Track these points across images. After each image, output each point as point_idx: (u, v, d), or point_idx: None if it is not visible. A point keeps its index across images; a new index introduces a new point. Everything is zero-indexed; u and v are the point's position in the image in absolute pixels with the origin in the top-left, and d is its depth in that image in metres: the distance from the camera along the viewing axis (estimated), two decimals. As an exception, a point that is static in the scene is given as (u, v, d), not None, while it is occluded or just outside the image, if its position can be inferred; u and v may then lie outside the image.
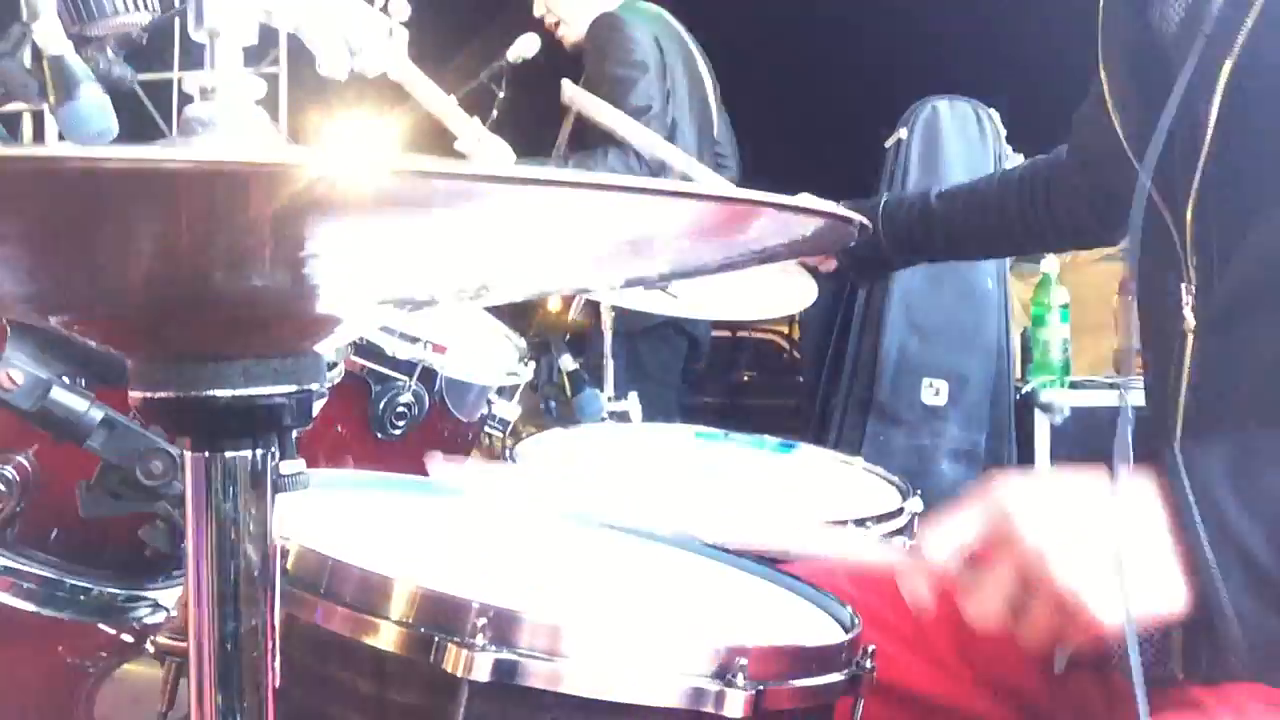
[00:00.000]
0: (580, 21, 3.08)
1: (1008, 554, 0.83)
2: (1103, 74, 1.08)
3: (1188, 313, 0.97)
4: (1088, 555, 0.80)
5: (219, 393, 0.53)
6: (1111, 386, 2.96)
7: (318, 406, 0.58)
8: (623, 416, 2.01)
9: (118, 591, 1.21)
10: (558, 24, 3.11)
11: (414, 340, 1.41)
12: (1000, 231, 1.55)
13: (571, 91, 1.93)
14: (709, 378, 4.28)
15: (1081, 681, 1.06)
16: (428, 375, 1.44)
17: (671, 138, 2.83)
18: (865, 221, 0.52)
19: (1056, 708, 1.09)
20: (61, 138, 1.10)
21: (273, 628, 0.58)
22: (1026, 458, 3.02)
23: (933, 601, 0.90)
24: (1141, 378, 1.07)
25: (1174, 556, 0.80)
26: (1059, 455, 2.95)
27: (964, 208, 1.55)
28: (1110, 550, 0.79)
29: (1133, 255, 0.94)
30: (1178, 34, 0.96)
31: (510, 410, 1.65)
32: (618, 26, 2.98)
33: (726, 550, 1.12)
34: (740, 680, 0.77)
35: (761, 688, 0.78)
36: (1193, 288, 0.97)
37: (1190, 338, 0.97)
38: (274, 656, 0.58)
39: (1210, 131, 0.91)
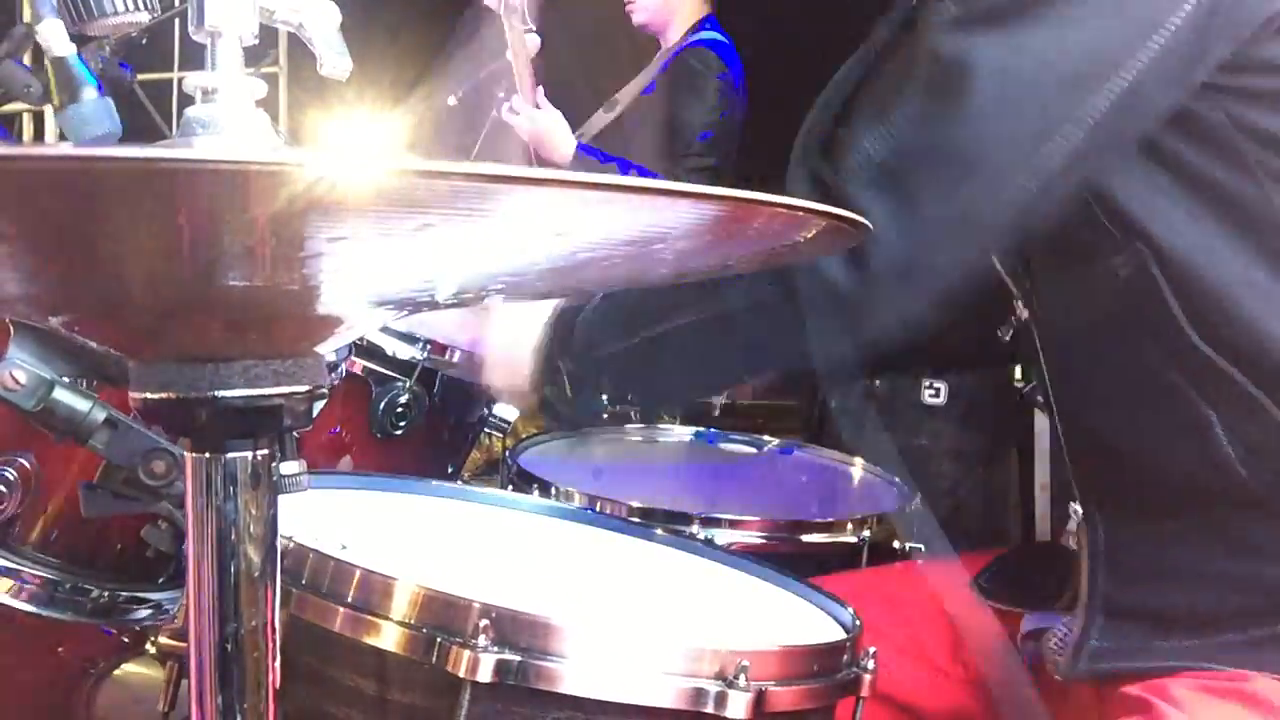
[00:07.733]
0: (663, 10, 2.93)
1: None
2: None
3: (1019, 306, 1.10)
4: None
5: (219, 394, 0.53)
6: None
7: (318, 407, 0.58)
8: (623, 417, 2.01)
9: (119, 593, 1.21)
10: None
11: (413, 341, 1.41)
12: None
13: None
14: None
15: (1077, 688, 1.06)
16: (427, 376, 1.44)
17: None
18: (868, 224, 0.52)
19: (1052, 714, 1.09)
20: (63, 139, 1.10)
21: (273, 628, 0.58)
22: (1026, 458, 3.01)
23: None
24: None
25: None
26: (1058, 456, 2.94)
27: None
28: None
29: None
30: None
31: (510, 411, 1.64)
32: (711, 67, 2.79)
33: (727, 551, 1.12)
34: (742, 681, 0.77)
35: (763, 689, 0.78)
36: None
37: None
38: (275, 657, 0.58)
39: None
